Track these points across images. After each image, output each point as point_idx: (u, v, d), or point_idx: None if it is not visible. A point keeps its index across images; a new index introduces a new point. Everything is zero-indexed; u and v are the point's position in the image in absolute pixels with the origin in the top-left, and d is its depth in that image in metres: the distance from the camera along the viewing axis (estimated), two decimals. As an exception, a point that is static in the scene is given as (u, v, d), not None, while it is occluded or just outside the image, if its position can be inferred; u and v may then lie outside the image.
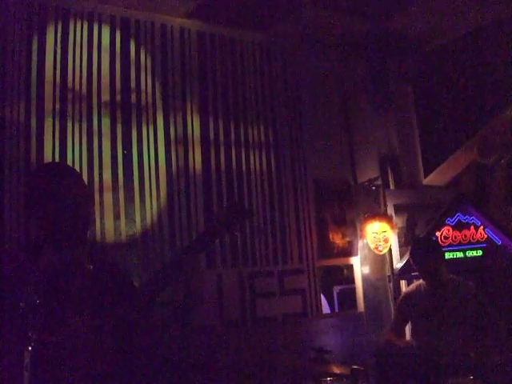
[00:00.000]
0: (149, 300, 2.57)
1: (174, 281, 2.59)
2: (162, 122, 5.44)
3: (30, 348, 1.78)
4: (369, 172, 6.46)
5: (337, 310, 6.64)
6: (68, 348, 2.08)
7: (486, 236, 6.19)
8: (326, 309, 6.32)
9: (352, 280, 6.35)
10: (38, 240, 2.33)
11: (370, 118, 6.63)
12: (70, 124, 4.95)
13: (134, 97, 5.33)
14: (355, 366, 3.84)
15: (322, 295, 6.16)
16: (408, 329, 5.09)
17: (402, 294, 5.08)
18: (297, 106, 6.28)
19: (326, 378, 4.17)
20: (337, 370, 4.08)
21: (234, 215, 2.75)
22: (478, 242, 6.18)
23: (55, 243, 2.27)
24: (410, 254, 4.85)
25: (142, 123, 5.32)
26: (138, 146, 5.27)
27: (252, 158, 5.89)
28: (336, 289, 6.81)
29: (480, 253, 6.16)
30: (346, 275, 6.58)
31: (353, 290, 6.34)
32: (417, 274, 4.95)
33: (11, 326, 1.93)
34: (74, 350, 2.09)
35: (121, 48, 5.33)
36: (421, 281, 4.86)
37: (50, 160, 4.75)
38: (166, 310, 2.65)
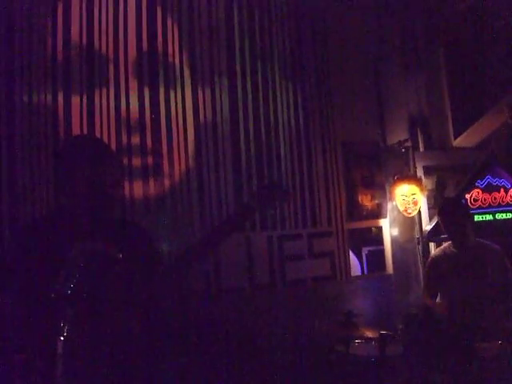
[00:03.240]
0: (178, 276, 2.59)
1: (204, 258, 2.59)
2: (189, 85, 5.41)
3: (62, 338, 1.81)
4: (398, 133, 6.42)
5: (365, 272, 6.65)
6: (100, 338, 2.11)
7: (515, 199, 6.15)
8: (357, 270, 6.32)
9: (381, 241, 6.35)
10: (67, 210, 2.35)
11: (399, 79, 6.55)
12: (97, 89, 4.95)
13: (161, 60, 5.29)
14: (383, 332, 3.85)
15: (353, 256, 6.16)
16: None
17: (429, 260, 5.07)
18: (326, 66, 6.20)
19: (355, 340, 4.20)
20: (365, 334, 4.10)
21: (271, 196, 2.71)
22: (508, 204, 6.13)
23: (83, 214, 2.30)
24: (438, 213, 4.86)
25: (169, 87, 5.30)
26: (166, 109, 5.26)
27: (281, 119, 5.85)
28: (365, 250, 6.80)
29: (510, 216, 6.11)
30: (375, 235, 6.56)
31: (381, 252, 6.35)
32: (446, 236, 4.94)
33: (43, 317, 1.96)
34: (106, 339, 2.13)
35: (147, 13, 5.27)
36: (447, 244, 4.86)
37: (79, 125, 4.77)
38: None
